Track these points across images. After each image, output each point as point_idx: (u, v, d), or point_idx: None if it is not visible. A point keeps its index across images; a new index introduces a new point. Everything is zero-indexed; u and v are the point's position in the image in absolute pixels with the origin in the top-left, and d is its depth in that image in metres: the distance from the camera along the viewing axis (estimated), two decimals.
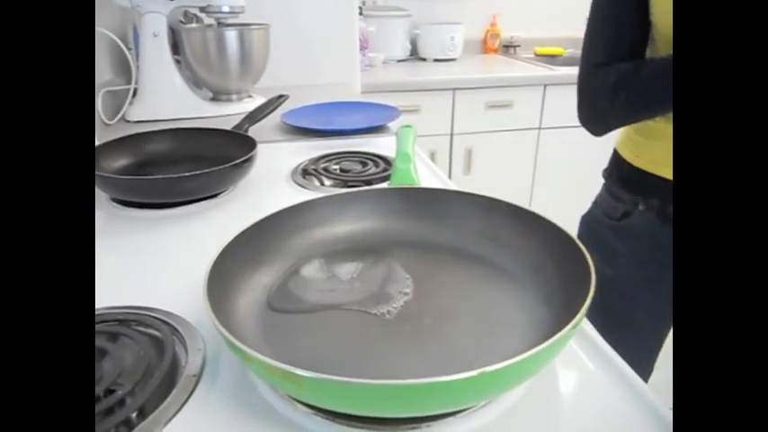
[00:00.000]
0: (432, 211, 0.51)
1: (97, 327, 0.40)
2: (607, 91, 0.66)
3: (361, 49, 1.74)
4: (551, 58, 2.19)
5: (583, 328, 0.42)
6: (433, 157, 1.87)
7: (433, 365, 0.36)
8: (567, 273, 0.40)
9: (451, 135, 1.87)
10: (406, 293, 0.44)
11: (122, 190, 0.66)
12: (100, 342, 0.38)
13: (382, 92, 1.70)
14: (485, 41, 2.32)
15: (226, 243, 0.42)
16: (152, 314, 0.43)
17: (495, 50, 2.32)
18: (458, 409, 0.32)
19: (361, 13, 1.89)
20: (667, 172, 0.67)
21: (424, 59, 2.15)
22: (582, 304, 0.32)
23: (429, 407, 0.30)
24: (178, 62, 1.16)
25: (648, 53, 0.67)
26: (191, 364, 0.38)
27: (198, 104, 1.14)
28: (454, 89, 1.81)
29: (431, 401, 0.29)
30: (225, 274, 0.40)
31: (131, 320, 0.42)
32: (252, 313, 0.41)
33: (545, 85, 1.86)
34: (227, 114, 1.12)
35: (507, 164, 1.95)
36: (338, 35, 1.50)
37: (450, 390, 0.27)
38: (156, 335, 0.40)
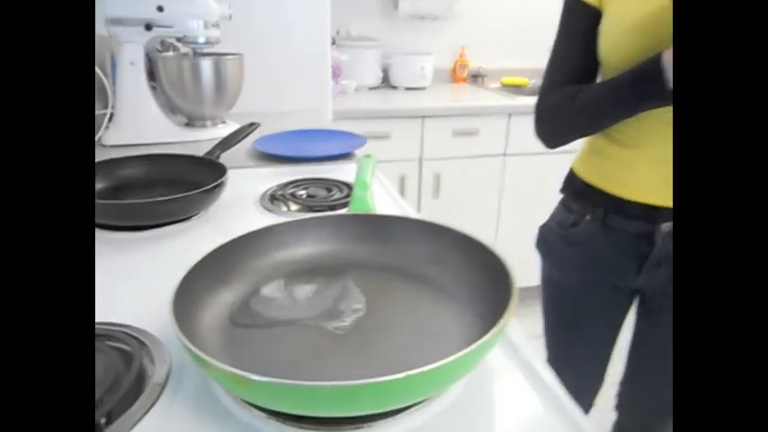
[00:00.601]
0: (384, 236, 0.57)
1: None
2: (557, 108, 0.78)
3: (334, 77, 1.80)
4: (517, 89, 2.30)
5: (517, 345, 0.47)
6: (402, 181, 1.93)
7: (374, 372, 0.40)
8: (500, 292, 0.45)
9: (420, 160, 1.94)
10: (357, 310, 0.48)
11: (98, 214, 0.70)
12: None
13: (354, 118, 1.77)
14: (454, 71, 2.42)
15: (193, 264, 0.46)
16: (123, 330, 0.46)
17: (464, 80, 2.42)
18: (392, 408, 0.36)
19: (334, 43, 1.96)
20: (609, 186, 0.78)
21: (395, 87, 2.23)
22: (499, 319, 0.37)
23: (363, 406, 0.34)
24: (154, 88, 1.19)
25: (599, 78, 0.78)
26: (157, 374, 0.42)
27: (173, 130, 1.17)
28: (423, 117, 1.88)
29: (364, 401, 0.33)
30: (191, 292, 0.44)
31: (102, 336, 0.45)
32: (214, 328, 0.45)
33: (509, 114, 1.95)
34: (201, 140, 1.16)
35: (474, 188, 2.03)
36: (311, 64, 1.56)
37: (380, 390, 0.32)
38: (126, 348, 0.44)
